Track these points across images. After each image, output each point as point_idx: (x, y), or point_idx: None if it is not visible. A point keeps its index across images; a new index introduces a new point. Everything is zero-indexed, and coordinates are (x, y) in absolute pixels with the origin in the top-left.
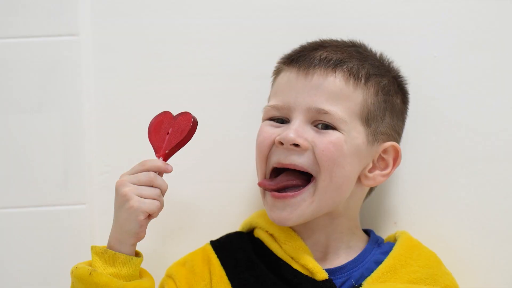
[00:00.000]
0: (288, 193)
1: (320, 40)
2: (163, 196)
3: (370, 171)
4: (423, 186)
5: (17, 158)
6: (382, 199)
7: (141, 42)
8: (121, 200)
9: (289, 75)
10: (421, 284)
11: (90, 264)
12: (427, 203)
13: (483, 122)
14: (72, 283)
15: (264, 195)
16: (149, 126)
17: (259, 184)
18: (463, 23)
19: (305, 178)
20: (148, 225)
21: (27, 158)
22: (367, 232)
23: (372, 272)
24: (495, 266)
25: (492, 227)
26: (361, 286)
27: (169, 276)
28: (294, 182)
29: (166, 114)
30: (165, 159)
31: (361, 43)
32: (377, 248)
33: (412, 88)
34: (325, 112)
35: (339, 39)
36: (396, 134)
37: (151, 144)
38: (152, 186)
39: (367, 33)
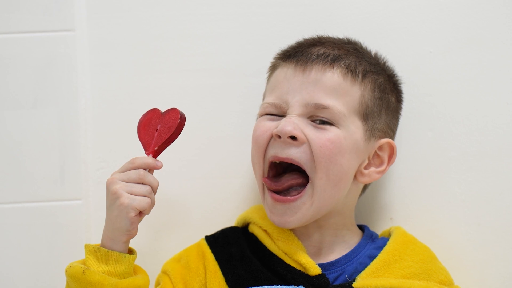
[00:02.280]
0: (289, 197)
1: (317, 36)
2: (155, 193)
3: (366, 167)
4: (419, 181)
5: (13, 154)
6: (378, 195)
7: (137, 38)
8: (111, 197)
9: (286, 71)
10: (415, 279)
11: (83, 262)
12: (423, 198)
13: (478, 118)
14: (67, 282)
15: (263, 193)
16: (138, 124)
17: (264, 181)
18: (458, 19)
19: (306, 177)
20: (143, 221)
21: (23, 154)
22: (362, 227)
23: (365, 267)
24: (490, 262)
25: (487, 222)
26: (354, 281)
27: (164, 272)
28: (299, 180)
29: (154, 111)
30: (155, 156)
31: (357, 41)
32: (371, 243)
33: (407, 84)
34: (324, 107)
35: (335, 37)
36: (391, 131)
37: (141, 141)
38: (142, 183)
39: (363, 29)
